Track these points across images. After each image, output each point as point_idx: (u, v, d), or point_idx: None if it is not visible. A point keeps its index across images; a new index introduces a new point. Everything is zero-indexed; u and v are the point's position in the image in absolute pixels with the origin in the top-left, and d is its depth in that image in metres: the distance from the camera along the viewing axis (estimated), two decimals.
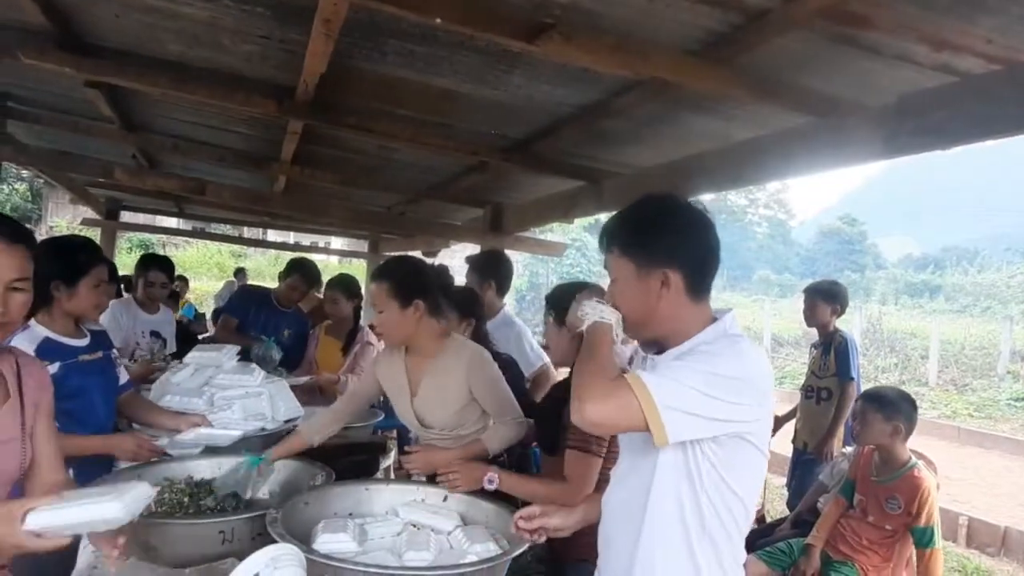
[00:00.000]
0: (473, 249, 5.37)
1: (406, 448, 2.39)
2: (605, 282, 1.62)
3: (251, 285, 4.87)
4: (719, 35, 2.28)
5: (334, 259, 26.06)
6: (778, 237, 59.98)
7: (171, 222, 15.98)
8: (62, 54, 3.10)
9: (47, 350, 2.28)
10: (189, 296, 11.79)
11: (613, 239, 1.53)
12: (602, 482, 2.19)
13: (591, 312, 1.52)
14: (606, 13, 2.22)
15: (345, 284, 4.39)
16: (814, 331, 4.75)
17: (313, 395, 4.05)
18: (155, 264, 4.50)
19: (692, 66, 2.40)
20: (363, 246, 11.74)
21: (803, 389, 4.75)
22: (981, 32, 2.01)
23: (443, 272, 3.03)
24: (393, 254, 10.09)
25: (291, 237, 20.68)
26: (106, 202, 9.10)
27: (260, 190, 6.84)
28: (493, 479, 2.13)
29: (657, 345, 1.58)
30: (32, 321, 2.27)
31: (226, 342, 3.41)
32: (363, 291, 4.63)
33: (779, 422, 4.40)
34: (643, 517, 1.47)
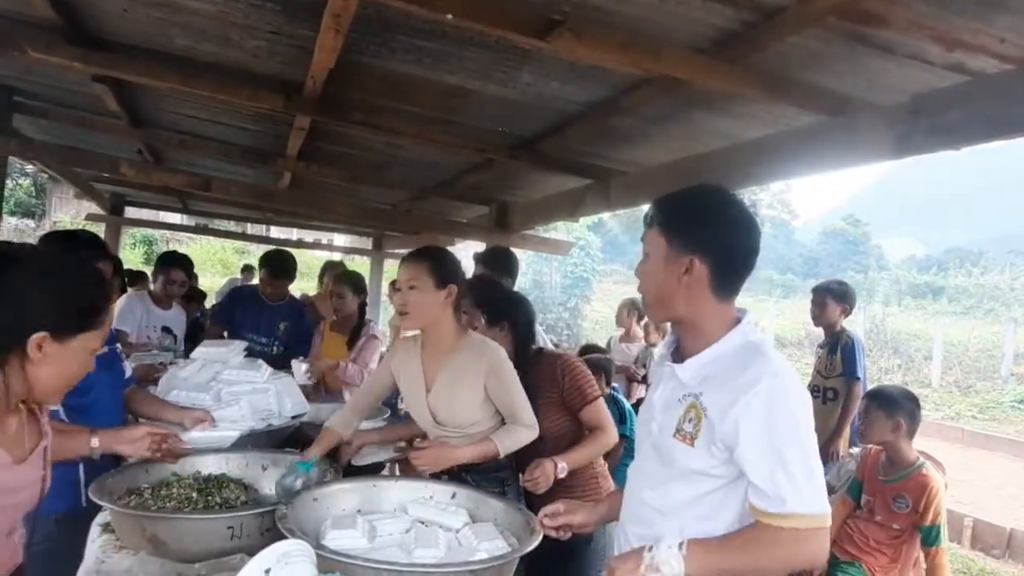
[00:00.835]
0: (478, 246, 5.36)
1: (416, 444, 2.37)
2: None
3: (240, 285, 4.84)
4: (731, 33, 2.28)
5: (337, 256, 26.07)
6: (781, 237, 59.90)
7: (175, 218, 16.04)
8: (70, 48, 3.10)
9: None
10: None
11: (656, 215, 1.55)
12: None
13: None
14: (617, 10, 2.21)
15: (352, 279, 4.39)
16: (818, 332, 4.74)
17: (316, 391, 4.05)
18: (176, 263, 4.53)
19: (703, 64, 2.39)
20: (367, 243, 11.74)
21: (809, 389, 4.73)
22: (995, 32, 2.00)
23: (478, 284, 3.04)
24: (397, 251, 10.11)
25: (294, 234, 20.72)
26: (111, 198, 9.12)
27: (266, 186, 6.84)
28: (564, 468, 2.38)
29: (675, 336, 1.62)
30: None
31: None
32: (367, 288, 4.63)
33: None
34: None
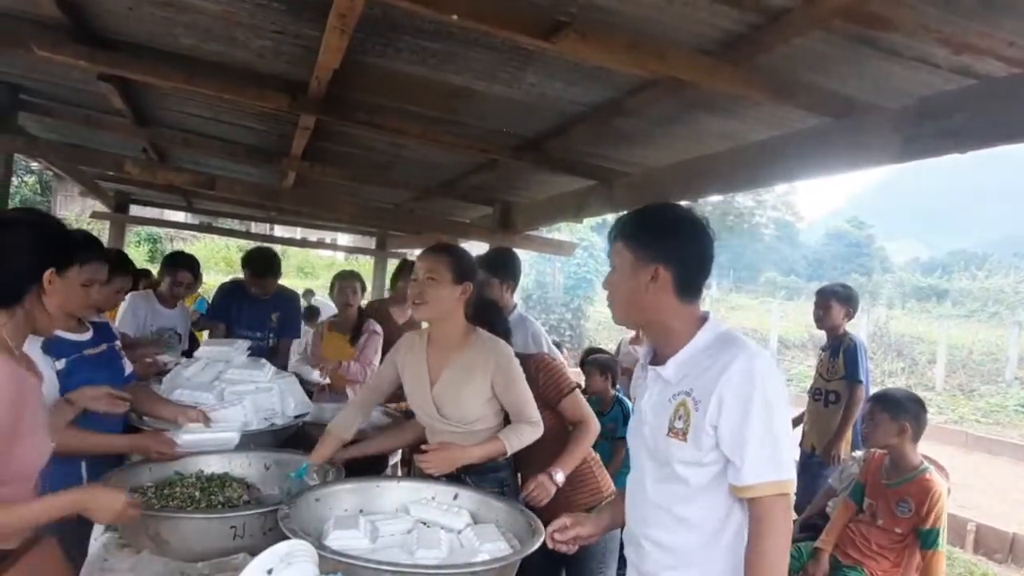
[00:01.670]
0: (481, 248, 5.35)
1: (422, 447, 2.36)
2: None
3: (230, 281, 4.85)
4: (736, 35, 2.27)
5: (341, 256, 26.09)
6: (785, 239, 59.75)
7: (179, 216, 16.04)
8: (75, 46, 3.10)
9: (52, 346, 2.28)
10: (200, 291, 11.80)
11: (619, 232, 1.69)
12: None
13: None
14: (622, 11, 2.20)
15: (359, 276, 4.55)
16: (821, 334, 4.73)
17: (325, 391, 4.06)
18: (183, 265, 4.53)
19: (708, 66, 2.38)
20: (370, 243, 11.74)
21: (811, 392, 4.73)
22: (1003, 35, 2.00)
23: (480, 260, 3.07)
24: (400, 251, 10.11)
25: (298, 233, 20.72)
26: (115, 196, 9.13)
27: (270, 185, 6.84)
28: (560, 476, 2.42)
29: (650, 344, 1.77)
30: None
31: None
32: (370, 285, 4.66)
33: None
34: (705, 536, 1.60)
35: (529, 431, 2.39)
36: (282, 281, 4.71)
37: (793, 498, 1.54)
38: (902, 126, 2.43)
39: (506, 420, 2.45)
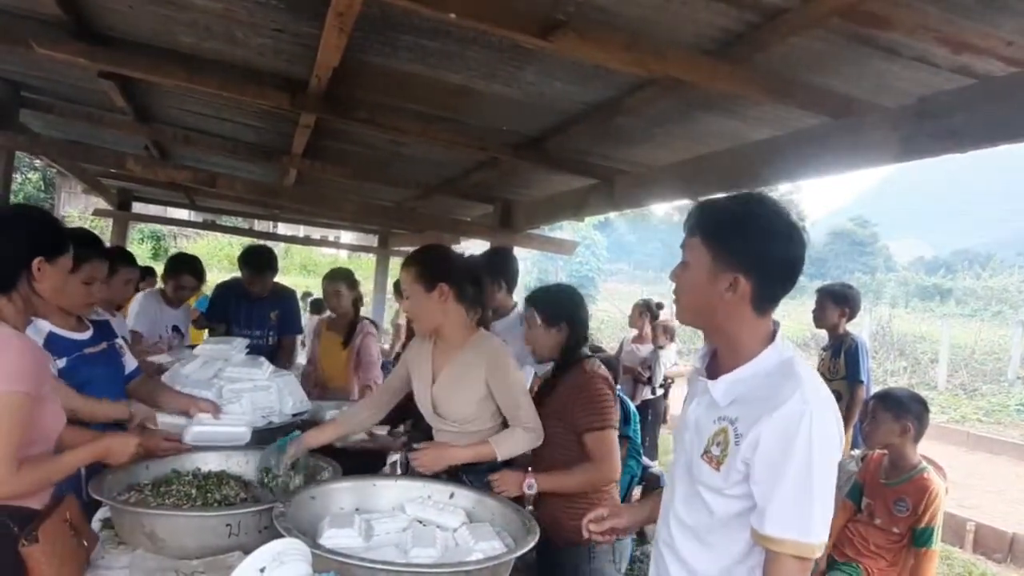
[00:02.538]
0: (484, 246, 5.35)
1: (414, 446, 2.38)
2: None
3: (227, 281, 4.87)
4: (735, 34, 2.26)
5: (344, 253, 26.10)
6: None
7: (182, 214, 16.07)
8: (76, 44, 3.10)
9: (53, 345, 2.29)
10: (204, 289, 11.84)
11: (699, 225, 1.48)
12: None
13: None
14: (620, 11, 2.20)
15: (344, 275, 4.43)
16: (823, 333, 4.73)
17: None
18: (187, 269, 4.55)
19: (706, 65, 2.38)
20: (372, 241, 11.74)
21: None
22: (1002, 34, 1.99)
23: (475, 263, 3.00)
24: (402, 249, 10.11)
25: (301, 230, 20.73)
26: (118, 193, 9.15)
27: (271, 183, 6.85)
28: (532, 484, 2.26)
29: (709, 347, 1.61)
30: None
31: None
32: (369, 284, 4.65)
33: None
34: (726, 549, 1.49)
35: (523, 437, 2.35)
36: (285, 279, 4.73)
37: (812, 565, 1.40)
38: (901, 125, 2.42)
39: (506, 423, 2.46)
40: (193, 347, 3.96)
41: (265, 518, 1.88)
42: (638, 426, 3.98)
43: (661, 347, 6.79)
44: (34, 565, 1.59)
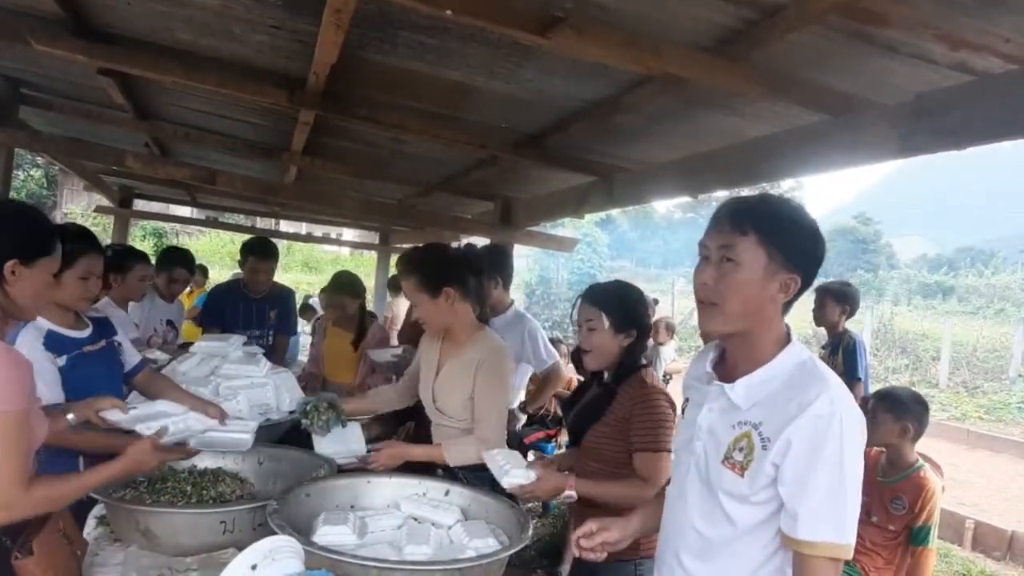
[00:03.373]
0: (485, 243, 5.35)
1: (370, 449, 2.44)
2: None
3: (225, 283, 4.88)
4: (733, 31, 2.25)
5: (346, 251, 26.12)
6: None
7: (184, 211, 16.08)
8: (74, 41, 3.10)
9: (53, 343, 2.29)
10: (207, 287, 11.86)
11: (755, 223, 1.40)
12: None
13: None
14: (618, 8, 2.19)
15: (348, 287, 4.38)
16: (823, 331, 4.72)
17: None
18: (179, 261, 4.57)
19: (705, 62, 2.37)
20: (374, 238, 11.76)
21: None
22: (1000, 31, 1.98)
23: (473, 255, 2.98)
24: (403, 246, 10.11)
25: (303, 228, 20.75)
26: (119, 190, 9.16)
27: (271, 180, 6.85)
28: (572, 496, 2.13)
29: (720, 349, 1.56)
30: None
31: None
32: (373, 283, 4.65)
33: None
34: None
35: (472, 447, 2.34)
36: (287, 276, 4.74)
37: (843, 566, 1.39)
38: (899, 122, 2.41)
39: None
40: (186, 345, 3.98)
41: (260, 515, 1.88)
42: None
43: (662, 343, 6.78)
44: None
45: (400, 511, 2.07)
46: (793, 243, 1.40)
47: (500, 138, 4.03)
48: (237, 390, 2.72)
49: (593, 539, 1.68)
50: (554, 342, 4.85)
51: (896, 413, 3.05)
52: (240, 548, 1.57)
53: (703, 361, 1.60)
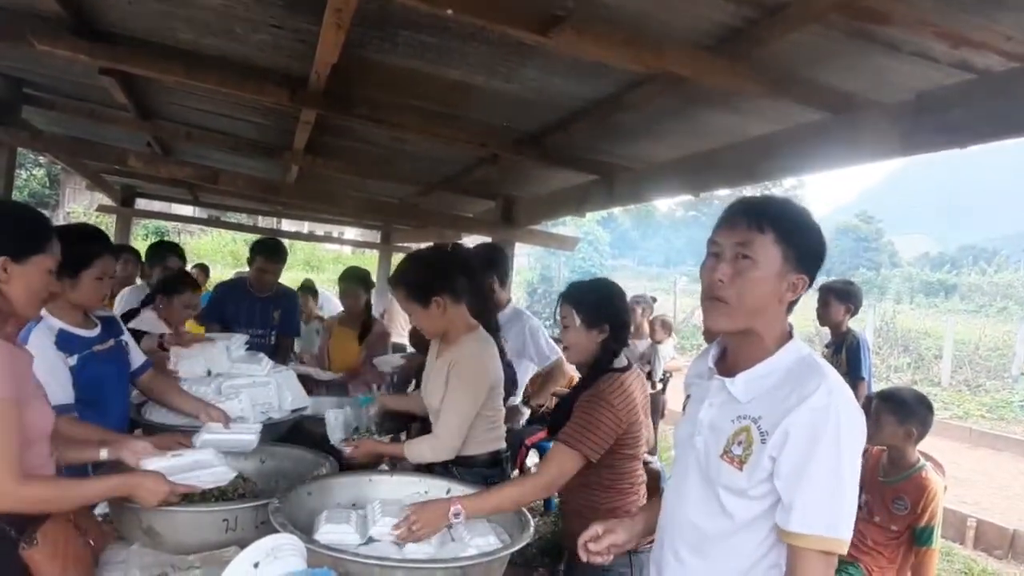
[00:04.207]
0: (477, 242, 5.36)
1: (346, 447, 2.57)
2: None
3: (229, 280, 4.88)
4: (734, 29, 2.26)
5: (347, 249, 26.12)
6: None
7: (186, 210, 16.11)
8: (75, 41, 3.11)
9: (64, 342, 2.30)
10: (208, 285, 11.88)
11: (772, 222, 1.42)
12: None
13: None
14: (619, 6, 2.19)
15: (361, 278, 4.49)
16: (826, 330, 4.72)
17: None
18: (172, 252, 4.58)
19: (706, 61, 2.37)
20: (376, 236, 11.77)
21: None
22: (1001, 29, 1.98)
23: (462, 256, 2.99)
24: (405, 245, 10.11)
25: (305, 227, 20.76)
26: (121, 189, 9.17)
27: (273, 179, 6.86)
28: (459, 511, 1.95)
29: (722, 346, 1.58)
30: (44, 311, 2.24)
31: None
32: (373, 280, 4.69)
33: None
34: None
35: (428, 447, 2.45)
36: (289, 274, 4.74)
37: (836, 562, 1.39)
38: (901, 121, 2.41)
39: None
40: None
41: (262, 513, 1.88)
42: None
43: (659, 342, 6.79)
44: (37, 568, 1.55)
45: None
46: (805, 244, 1.43)
47: (501, 137, 4.03)
48: (239, 389, 2.72)
49: (600, 542, 1.68)
50: (556, 340, 4.86)
51: (900, 416, 3.03)
52: (242, 546, 1.57)
53: (705, 358, 1.62)
